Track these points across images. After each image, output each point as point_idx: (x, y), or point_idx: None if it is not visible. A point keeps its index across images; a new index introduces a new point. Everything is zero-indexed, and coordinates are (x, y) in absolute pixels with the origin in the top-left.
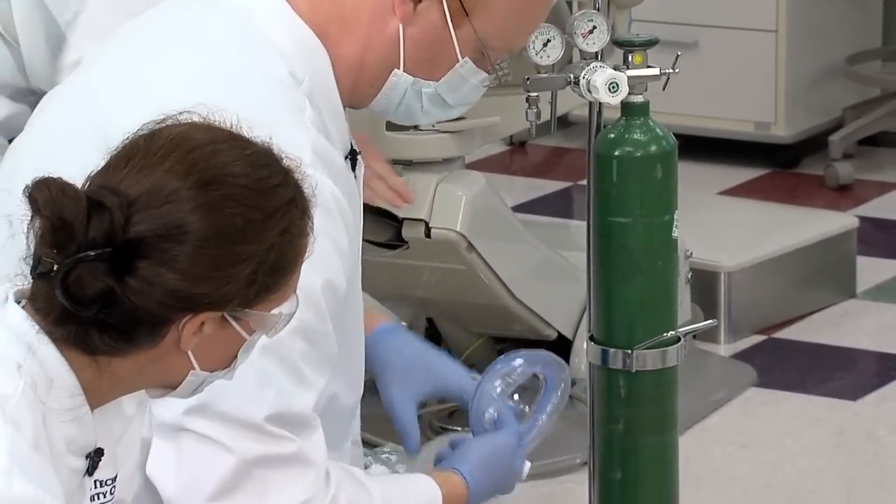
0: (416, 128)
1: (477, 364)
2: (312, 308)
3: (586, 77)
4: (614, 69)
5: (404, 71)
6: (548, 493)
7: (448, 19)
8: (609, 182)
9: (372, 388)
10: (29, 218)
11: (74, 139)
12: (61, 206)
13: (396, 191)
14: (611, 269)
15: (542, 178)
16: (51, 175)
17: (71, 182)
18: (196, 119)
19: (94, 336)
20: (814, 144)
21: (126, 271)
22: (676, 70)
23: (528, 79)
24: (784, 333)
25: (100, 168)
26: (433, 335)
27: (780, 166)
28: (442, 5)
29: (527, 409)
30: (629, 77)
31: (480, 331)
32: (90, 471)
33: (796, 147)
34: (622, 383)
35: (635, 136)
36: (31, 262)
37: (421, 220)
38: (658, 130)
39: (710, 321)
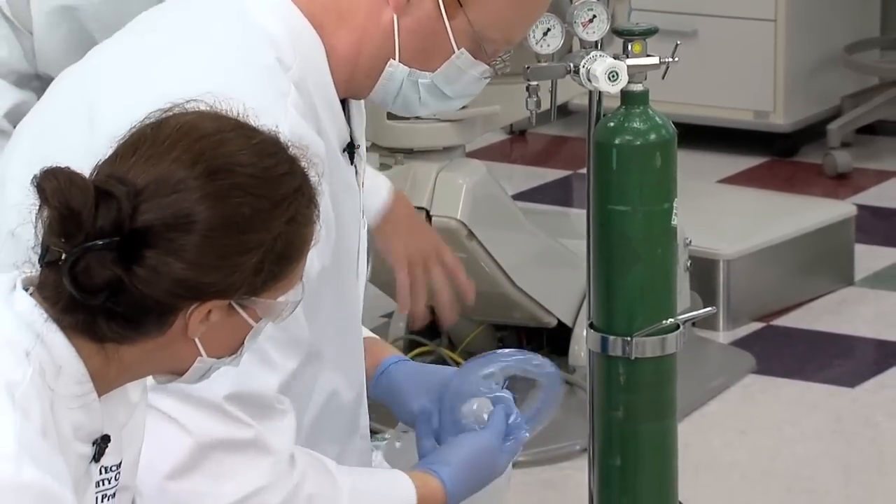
0: (416, 117)
1: (477, 352)
2: None
3: (586, 66)
4: (614, 58)
5: (400, 61)
6: (547, 479)
7: (442, 9)
8: (609, 170)
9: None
10: (37, 207)
11: (68, 122)
12: (69, 195)
13: (461, 289)
14: (610, 257)
15: (542, 166)
16: (43, 156)
17: (79, 171)
18: (203, 108)
19: (102, 324)
20: (812, 133)
21: (133, 260)
22: (676, 59)
23: (528, 67)
24: (782, 321)
25: (107, 157)
26: (434, 323)
27: (778, 155)
28: None
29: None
30: (629, 66)
31: (481, 318)
32: (97, 457)
33: (795, 136)
34: (622, 370)
35: (635, 125)
36: (38, 251)
37: (422, 208)
38: (657, 119)
39: (709, 308)
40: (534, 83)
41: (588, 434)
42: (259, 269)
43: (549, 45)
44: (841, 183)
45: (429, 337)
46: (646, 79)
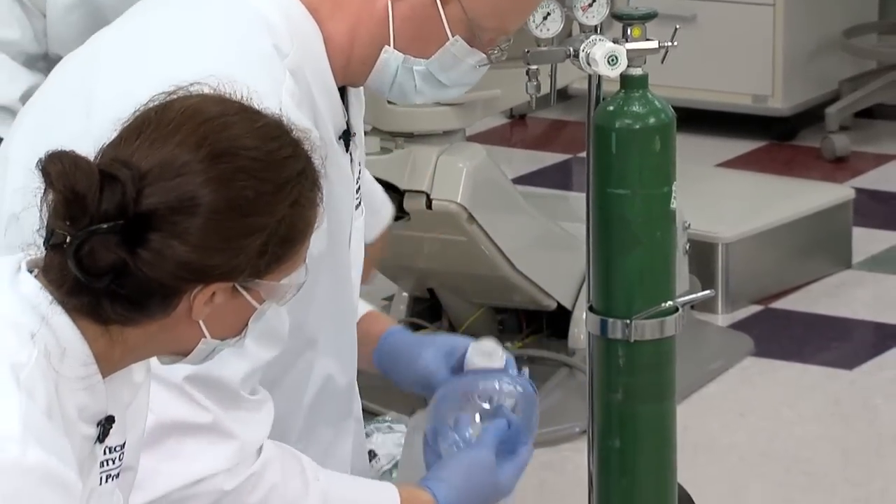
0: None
1: (477, 335)
2: None
3: (586, 50)
4: (613, 42)
5: (395, 48)
6: (547, 461)
7: None
8: (608, 154)
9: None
10: (42, 191)
11: (67, 109)
12: (74, 179)
13: None
14: (610, 241)
15: (541, 150)
16: (44, 142)
17: (84, 155)
18: (207, 91)
19: (107, 306)
20: (811, 117)
21: (138, 243)
22: (675, 43)
23: (527, 51)
24: (781, 303)
25: (112, 140)
26: (434, 306)
27: (777, 138)
28: None
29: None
30: (628, 50)
31: (481, 301)
32: (101, 438)
33: (793, 119)
34: (621, 353)
35: (634, 109)
36: (43, 234)
37: (422, 191)
38: (657, 103)
39: (707, 291)
40: (534, 67)
41: (587, 416)
42: (263, 251)
43: (548, 30)
44: (839, 166)
45: (429, 320)
46: (645, 63)
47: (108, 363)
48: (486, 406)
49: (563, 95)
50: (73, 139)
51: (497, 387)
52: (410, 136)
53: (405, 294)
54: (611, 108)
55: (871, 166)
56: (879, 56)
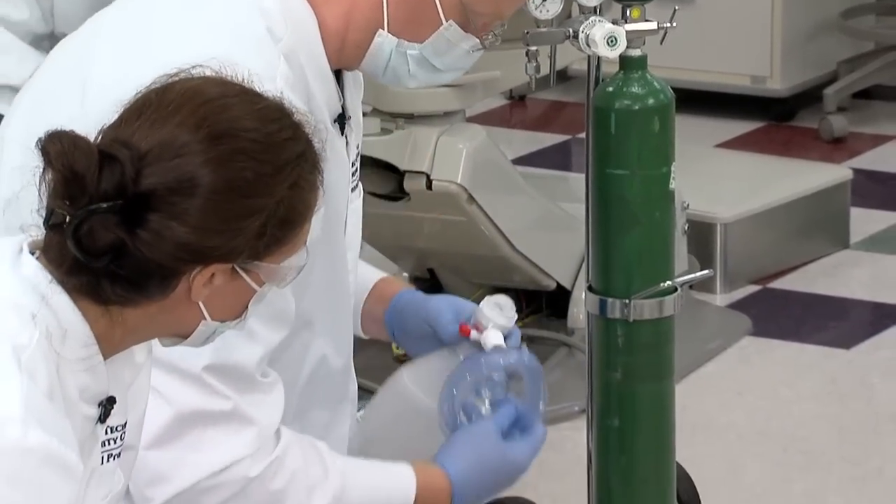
0: None
1: None
2: None
3: (585, 31)
4: (613, 23)
5: (389, 32)
6: (546, 440)
7: None
8: (607, 135)
9: (365, 343)
10: (41, 170)
11: (63, 93)
12: (73, 159)
13: None
14: (609, 221)
15: (541, 131)
16: (42, 123)
17: (83, 135)
18: (209, 73)
19: (106, 287)
20: (809, 98)
21: (137, 224)
22: (674, 24)
23: (527, 33)
24: (779, 283)
25: (113, 121)
26: (434, 286)
27: (775, 119)
28: None
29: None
30: (627, 31)
31: (480, 281)
32: (102, 418)
33: (791, 100)
34: (620, 332)
35: (633, 90)
36: (43, 214)
37: (422, 172)
38: (655, 84)
39: (706, 271)
40: (533, 48)
41: (587, 395)
42: (262, 233)
43: (548, 11)
44: (837, 147)
45: None
46: (644, 44)
47: (109, 344)
48: (495, 386)
49: (563, 76)
50: (69, 121)
51: (503, 363)
52: (410, 117)
53: (405, 274)
54: (610, 89)
55: (868, 147)
56: (877, 37)
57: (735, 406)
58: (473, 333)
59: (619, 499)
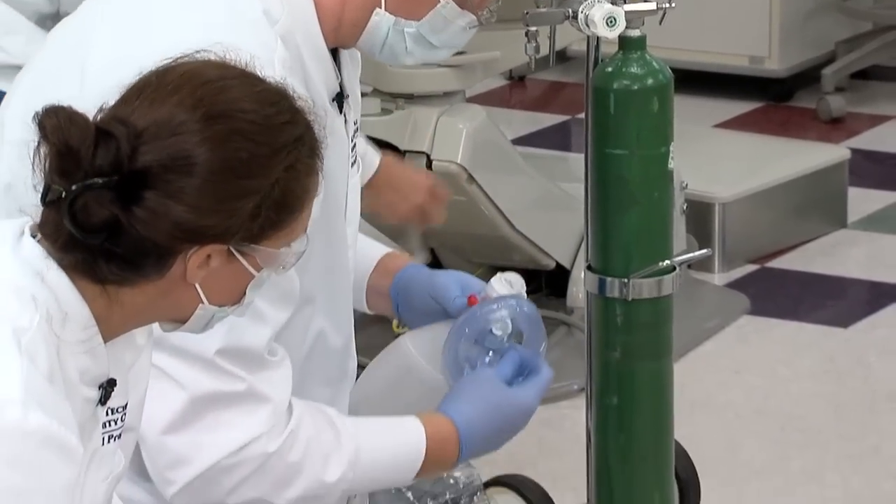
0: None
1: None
2: None
3: (584, 11)
4: (612, 4)
5: (385, 10)
6: (546, 418)
7: None
8: (606, 115)
9: (366, 321)
10: (36, 143)
11: (61, 75)
12: (68, 133)
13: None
14: (608, 200)
15: (540, 111)
16: (40, 96)
17: (81, 112)
18: (212, 58)
19: (102, 265)
20: (807, 78)
21: (132, 201)
22: (673, 4)
23: (527, 13)
24: (777, 262)
25: (115, 101)
26: (435, 265)
27: (773, 100)
28: None
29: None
30: (626, 11)
31: (481, 261)
32: (103, 400)
33: (789, 81)
34: (619, 311)
35: (632, 70)
36: (41, 190)
37: (422, 152)
38: (654, 64)
39: (704, 251)
40: (533, 29)
41: (586, 374)
42: (256, 214)
43: None
44: (835, 127)
45: None
46: (643, 24)
47: (109, 327)
48: (496, 335)
49: (562, 57)
50: (68, 101)
51: (501, 311)
52: (411, 98)
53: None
54: (609, 69)
55: (866, 127)
56: (875, 17)
57: (733, 384)
58: None
59: (618, 476)
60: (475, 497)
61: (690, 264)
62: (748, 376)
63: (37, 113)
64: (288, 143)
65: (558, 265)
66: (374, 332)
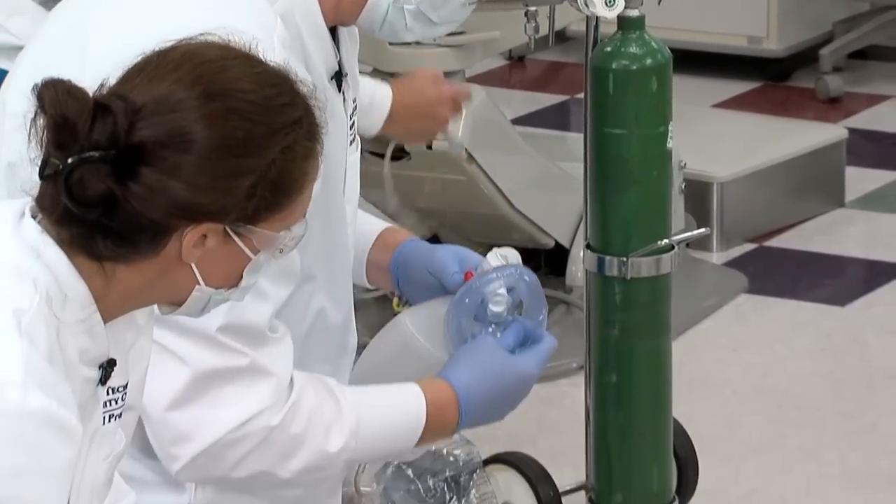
0: (417, 42)
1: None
2: None
3: None
4: None
5: None
6: (545, 396)
7: None
8: (605, 95)
9: (366, 299)
10: (33, 114)
11: (62, 56)
12: (65, 105)
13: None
14: (607, 180)
15: (540, 91)
16: (41, 75)
17: (79, 85)
18: (215, 40)
19: (98, 241)
20: (805, 58)
21: (129, 176)
22: None
23: None
24: (775, 241)
25: (117, 79)
26: (434, 238)
27: (771, 79)
28: None
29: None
30: None
31: (480, 240)
32: (103, 380)
33: (788, 61)
34: (618, 290)
35: (631, 50)
36: (38, 165)
37: None
38: (653, 44)
39: (702, 230)
40: (532, 9)
41: (585, 352)
42: (251, 194)
43: None
44: (832, 107)
45: None
46: (642, 4)
47: (107, 307)
48: (497, 305)
49: (562, 37)
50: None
51: (501, 280)
52: None
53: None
54: (608, 49)
55: (863, 107)
56: None
57: (731, 362)
58: None
59: (617, 454)
60: (475, 474)
61: (689, 243)
62: (746, 354)
63: (36, 85)
64: (286, 125)
65: (557, 244)
66: (373, 310)
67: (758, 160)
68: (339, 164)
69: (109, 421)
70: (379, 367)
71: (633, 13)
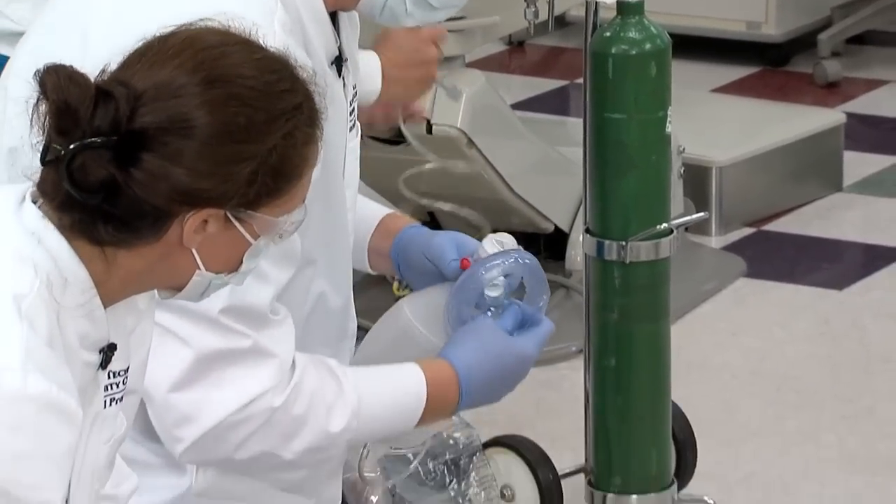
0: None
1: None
2: None
3: None
4: None
5: None
6: (545, 379)
7: None
8: (605, 79)
9: (367, 283)
10: (35, 100)
11: (62, 43)
12: (67, 91)
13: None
14: (606, 164)
15: (539, 76)
16: (46, 60)
17: (82, 71)
18: (215, 25)
19: (100, 226)
20: (803, 43)
21: (130, 162)
22: None
23: None
24: (773, 226)
25: (118, 65)
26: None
27: (770, 64)
28: None
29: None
30: None
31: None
32: (103, 364)
33: (786, 46)
34: (617, 274)
35: (630, 35)
36: (39, 150)
37: (422, 117)
38: (652, 29)
39: (701, 214)
40: None
41: (584, 336)
42: (252, 180)
43: None
44: (831, 92)
45: None
46: None
47: (107, 291)
48: (497, 290)
49: (561, 22)
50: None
51: (501, 265)
52: None
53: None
54: (607, 34)
55: (861, 91)
56: None
57: (730, 346)
58: None
59: (616, 437)
60: (474, 457)
61: (687, 227)
62: (745, 338)
63: (38, 70)
64: (286, 111)
65: (557, 228)
66: (374, 294)
67: (756, 145)
68: (339, 149)
69: (110, 405)
70: (378, 354)
71: None
